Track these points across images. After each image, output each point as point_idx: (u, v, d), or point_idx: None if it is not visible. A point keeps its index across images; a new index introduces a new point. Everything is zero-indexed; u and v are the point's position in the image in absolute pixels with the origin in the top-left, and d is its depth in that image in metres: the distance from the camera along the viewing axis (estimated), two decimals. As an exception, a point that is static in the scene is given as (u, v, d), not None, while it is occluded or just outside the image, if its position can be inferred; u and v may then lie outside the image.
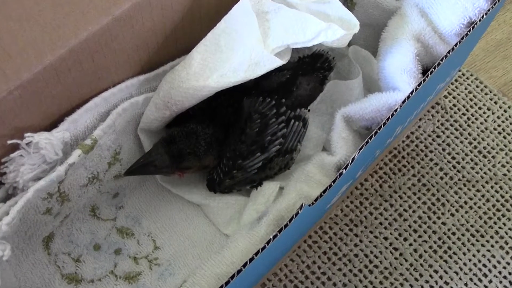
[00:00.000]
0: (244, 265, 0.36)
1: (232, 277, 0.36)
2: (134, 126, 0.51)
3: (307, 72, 0.55)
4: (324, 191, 0.40)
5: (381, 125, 0.41)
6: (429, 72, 0.43)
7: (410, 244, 0.58)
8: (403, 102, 0.42)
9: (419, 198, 0.60)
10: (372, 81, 0.56)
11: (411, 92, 0.42)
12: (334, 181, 0.40)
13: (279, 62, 0.47)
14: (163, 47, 0.51)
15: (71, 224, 0.52)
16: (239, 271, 0.36)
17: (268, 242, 0.37)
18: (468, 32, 0.46)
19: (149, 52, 0.50)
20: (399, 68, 0.50)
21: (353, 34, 0.48)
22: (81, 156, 0.45)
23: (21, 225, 0.45)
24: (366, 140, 0.40)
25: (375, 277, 0.56)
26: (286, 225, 0.37)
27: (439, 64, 0.43)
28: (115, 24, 0.44)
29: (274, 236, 0.37)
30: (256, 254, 0.36)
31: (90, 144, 0.46)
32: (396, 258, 0.57)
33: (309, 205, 0.39)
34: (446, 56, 0.43)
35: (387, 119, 0.41)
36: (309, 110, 0.53)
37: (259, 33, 0.47)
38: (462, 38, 0.46)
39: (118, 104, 0.49)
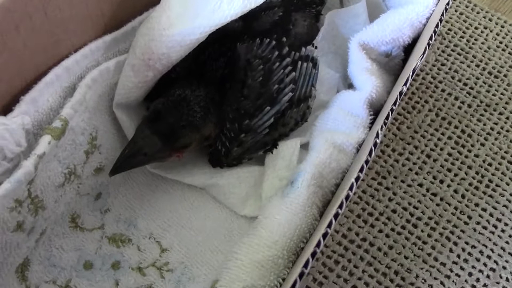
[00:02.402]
0: (318, 245, 0.27)
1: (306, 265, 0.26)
2: (108, 102, 0.40)
3: (299, 8, 0.46)
4: (377, 135, 0.30)
5: (429, 40, 0.32)
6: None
7: (448, 186, 0.50)
8: (445, 9, 0.33)
9: (443, 134, 0.52)
10: (374, 5, 0.47)
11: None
12: (387, 117, 0.31)
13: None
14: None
15: (49, 243, 0.40)
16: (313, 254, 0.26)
17: (340, 206, 0.27)
18: None
19: (112, 4, 0.39)
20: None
21: None
22: (51, 144, 0.34)
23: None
24: (417, 61, 0.31)
25: (422, 231, 0.47)
26: (357, 178, 0.28)
27: None
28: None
29: (347, 197, 0.27)
30: (329, 225, 0.26)
31: (61, 127, 0.35)
32: (438, 205, 0.49)
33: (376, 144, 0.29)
34: None
35: (434, 32, 0.33)
36: (316, 47, 0.44)
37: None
38: None
39: (84, 74, 0.38)
